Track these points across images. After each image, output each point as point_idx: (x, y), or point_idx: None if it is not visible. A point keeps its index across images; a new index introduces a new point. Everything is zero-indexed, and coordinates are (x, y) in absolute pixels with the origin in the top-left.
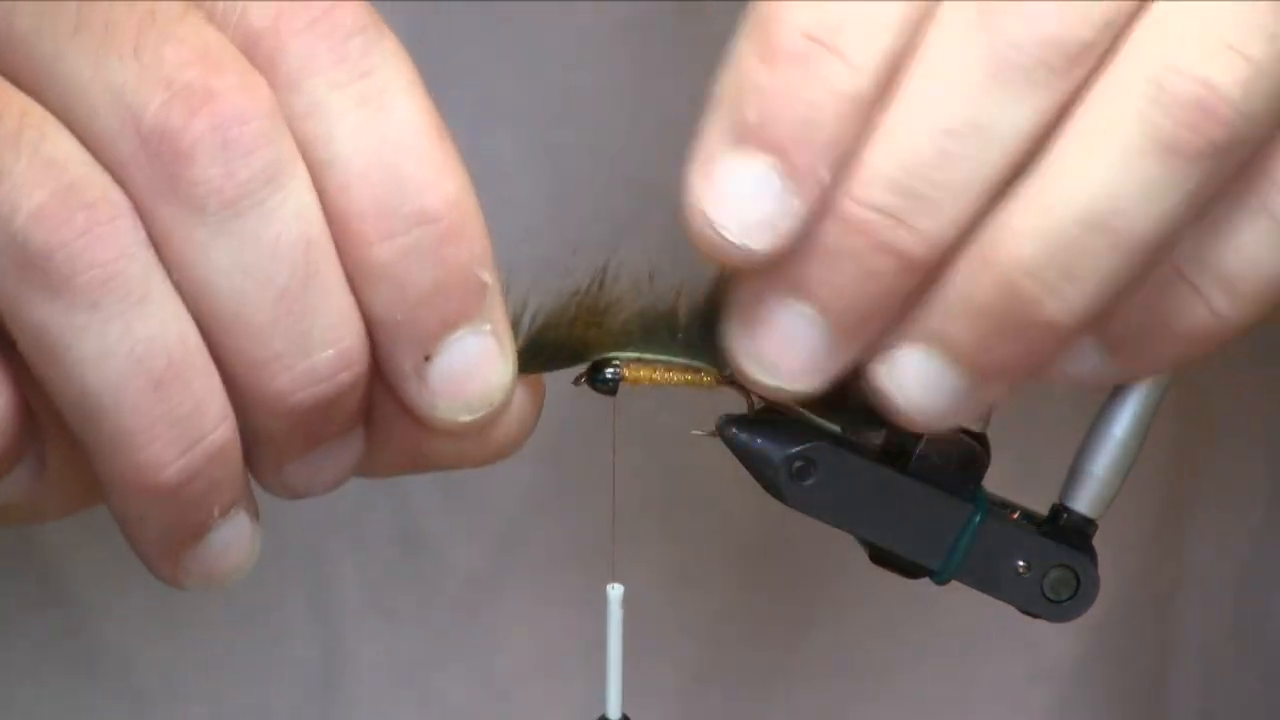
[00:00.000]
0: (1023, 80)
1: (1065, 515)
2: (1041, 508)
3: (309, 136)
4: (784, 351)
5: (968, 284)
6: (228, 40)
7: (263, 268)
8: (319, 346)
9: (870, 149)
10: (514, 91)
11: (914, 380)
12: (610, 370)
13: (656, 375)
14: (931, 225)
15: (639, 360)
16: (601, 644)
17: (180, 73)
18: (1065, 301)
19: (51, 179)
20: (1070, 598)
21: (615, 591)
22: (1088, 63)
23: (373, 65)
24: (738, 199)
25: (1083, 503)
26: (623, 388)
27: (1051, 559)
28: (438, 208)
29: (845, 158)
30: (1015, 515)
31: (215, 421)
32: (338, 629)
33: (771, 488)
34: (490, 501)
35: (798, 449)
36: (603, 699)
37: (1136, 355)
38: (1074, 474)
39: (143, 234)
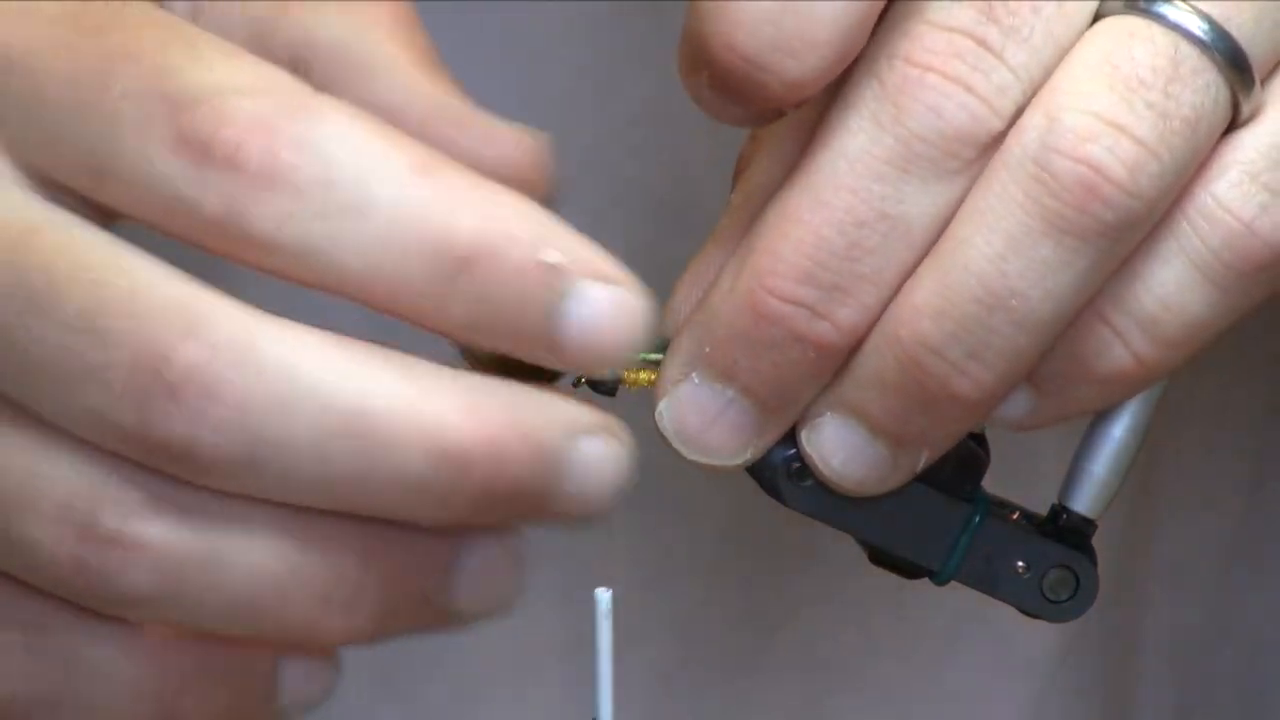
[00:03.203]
0: (932, 171)
1: (1065, 515)
2: (1041, 508)
3: (319, 267)
4: (710, 431)
5: (877, 358)
6: (152, 296)
7: (325, 472)
8: (427, 471)
9: (782, 238)
10: (485, 86)
11: (835, 449)
12: (610, 372)
13: (655, 377)
14: (847, 315)
15: (638, 361)
16: (578, 644)
17: (135, 382)
18: (971, 378)
19: (70, 524)
20: (1070, 598)
21: (604, 595)
22: (995, 147)
23: (333, 168)
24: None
25: (1082, 503)
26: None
27: (1051, 559)
28: (466, 248)
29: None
30: (1015, 515)
31: (357, 574)
32: None
33: (769, 488)
34: None
35: (795, 449)
36: (582, 700)
37: (1063, 398)
38: (1073, 474)
39: (175, 512)
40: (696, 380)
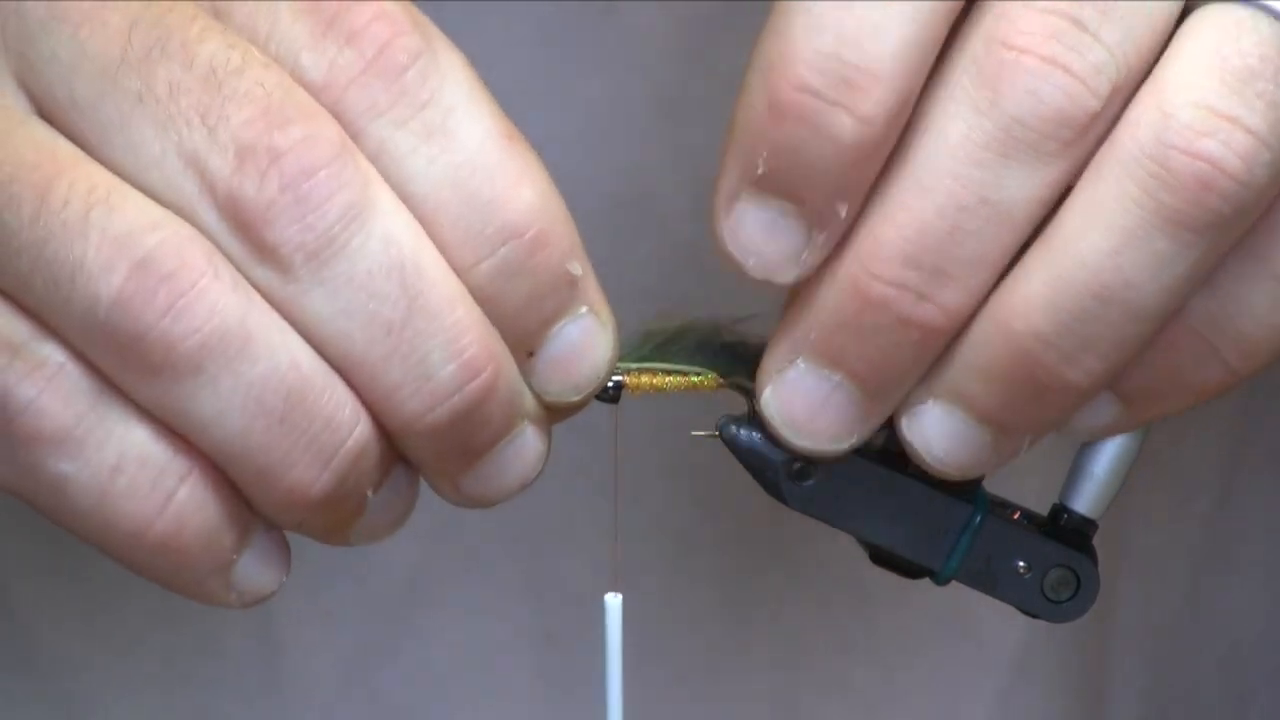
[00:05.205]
0: (1032, 155)
1: (1065, 515)
2: (1041, 508)
3: (386, 175)
4: (817, 416)
5: (987, 350)
6: (290, 81)
7: (362, 306)
8: (439, 365)
9: (885, 224)
10: None
11: (938, 435)
12: (613, 379)
13: (658, 381)
14: (951, 297)
15: (640, 368)
16: (544, 637)
17: (245, 133)
18: (1083, 368)
19: (125, 258)
20: (1070, 598)
21: (615, 601)
22: (1096, 131)
23: (432, 91)
24: (756, 239)
25: (1083, 503)
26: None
27: (1051, 559)
28: (519, 220)
29: (863, 194)
30: (1015, 515)
31: (349, 427)
32: (274, 628)
33: (771, 488)
34: (423, 496)
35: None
36: (549, 692)
37: (1152, 408)
38: (1074, 474)
39: (229, 277)
40: (803, 366)
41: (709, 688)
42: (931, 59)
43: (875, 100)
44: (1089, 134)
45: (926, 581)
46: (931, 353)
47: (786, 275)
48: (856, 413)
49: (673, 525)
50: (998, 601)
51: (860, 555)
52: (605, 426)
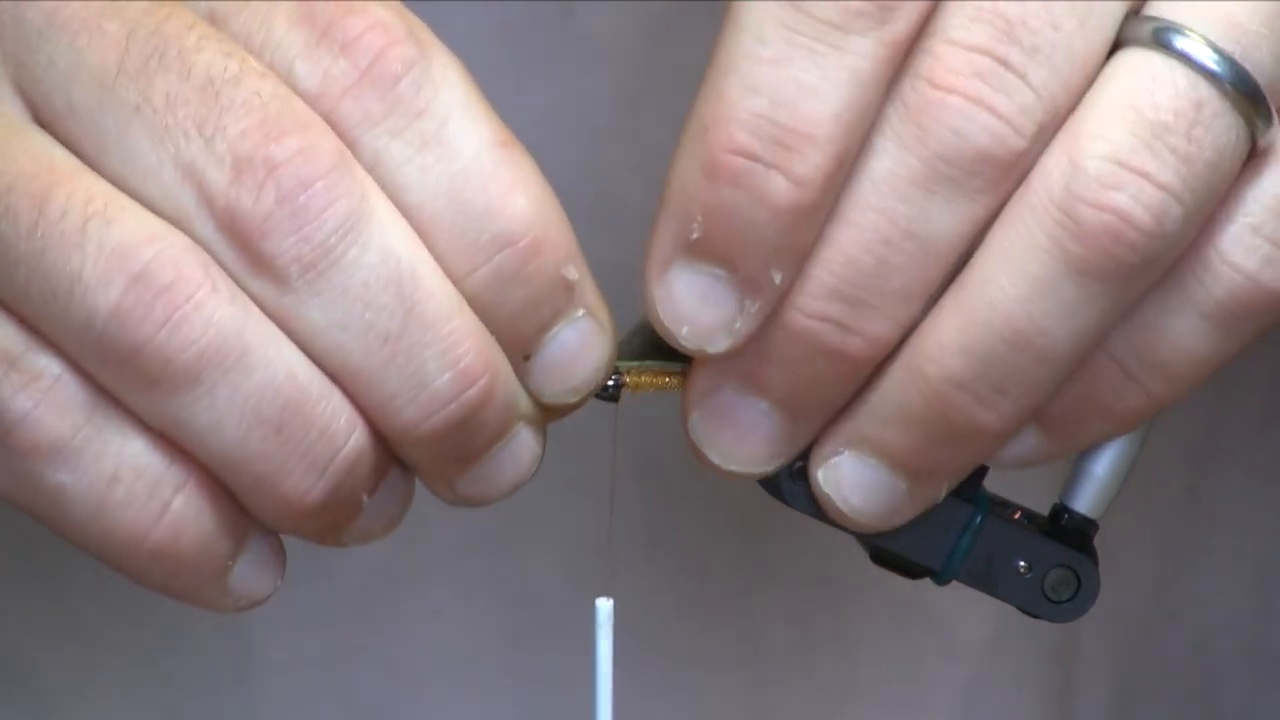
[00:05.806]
0: (957, 191)
1: (1066, 515)
2: (1041, 508)
3: (381, 184)
4: (744, 442)
5: (900, 393)
6: (287, 91)
7: (358, 317)
8: (436, 373)
9: (811, 259)
10: None
11: (854, 485)
12: (613, 378)
13: (658, 380)
14: (877, 330)
15: (640, 367)
16: (514, 634)
17: (242, 145)
18: (995, 411)
19: (122, 271)
20: (1071, 598)
21: (605, 605)
22: (1022, 168)
23: (426, 101)
24: (688, 306)
25: (1083, 503)
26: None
27: (1052, 559)
28: (514, 228)
29: (798, 261)
30: (1016, 515)
31: (345, 435)
32: (245, 628)
33: (772, 489)
34: None
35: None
36: (519, 689)
37: (1074, 436)
38: (1074, 474)
39: (226, 289)
40: (730, 393)
41: (678, 684)
42: (870, 119)
43: (811, 163)
44: (1014, 172)
45: (893, 574)
46: (859, 379)
47: (719, 344)
48: (783, 438)
49: (643, 524)
50: (965, 593)
51: (830, 551)
52: (580, 426)
